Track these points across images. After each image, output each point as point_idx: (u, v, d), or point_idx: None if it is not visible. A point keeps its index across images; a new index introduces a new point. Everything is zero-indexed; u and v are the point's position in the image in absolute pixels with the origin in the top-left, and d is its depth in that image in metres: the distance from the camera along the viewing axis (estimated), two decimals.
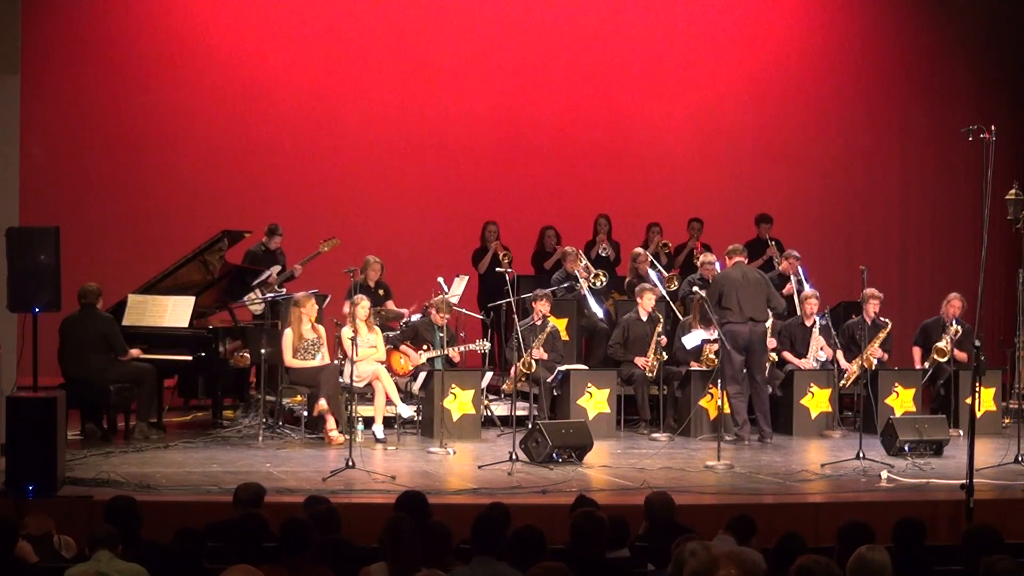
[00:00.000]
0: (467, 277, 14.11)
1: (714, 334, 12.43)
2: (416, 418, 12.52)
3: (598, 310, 14.04)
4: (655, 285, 13.74)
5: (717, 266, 13.68)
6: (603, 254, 14.76)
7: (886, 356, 13.38)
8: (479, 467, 10.63)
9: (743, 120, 17.00)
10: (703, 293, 12.29)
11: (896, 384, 13.08)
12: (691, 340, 12.95)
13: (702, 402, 12.79)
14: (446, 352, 12.63)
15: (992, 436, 12.40)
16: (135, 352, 11.95)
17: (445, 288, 13.35)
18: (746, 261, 12.89)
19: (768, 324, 12.77)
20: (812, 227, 16.72)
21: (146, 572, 6.09)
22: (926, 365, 13.43)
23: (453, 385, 12.20)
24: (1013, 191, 11.00)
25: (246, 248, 13.65)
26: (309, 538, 6.18)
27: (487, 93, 16.46)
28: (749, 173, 16.89)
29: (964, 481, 9.10)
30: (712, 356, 12.77)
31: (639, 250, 14.40)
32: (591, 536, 6.33)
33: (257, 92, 15.88)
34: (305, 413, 12.21)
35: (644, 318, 13.20)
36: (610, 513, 6.75)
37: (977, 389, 10.28)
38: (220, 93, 15.77)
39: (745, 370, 12.33)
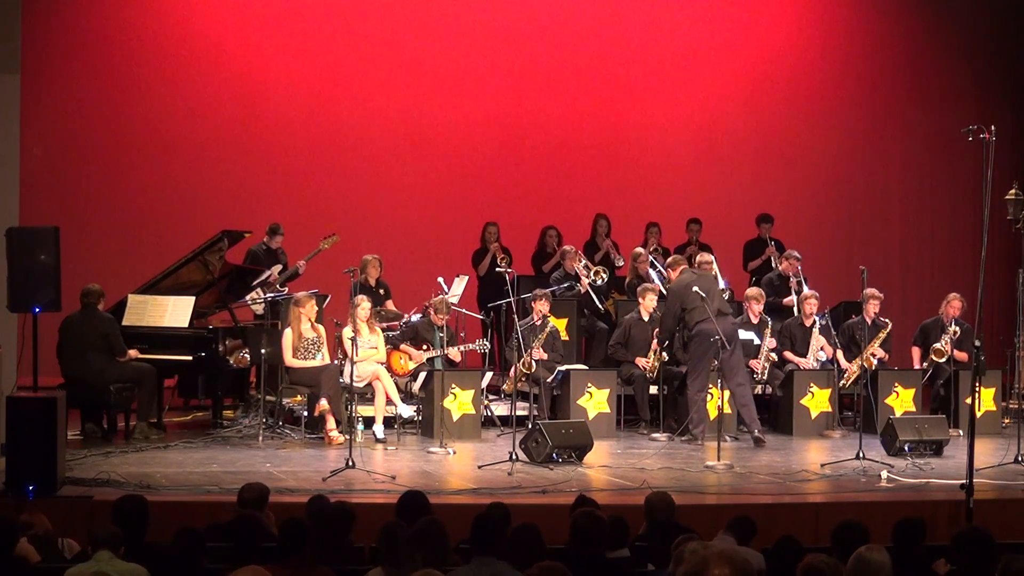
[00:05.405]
0: (467, 277, 14.11)
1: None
2: (416, 418, 12.52)
3: (600, 307, 14.06)
4: (656, 285, 13.73)
5: (716, 265, 13.67)
6: (612, 258, 14.72)
7: (886, 356, 13.38)
8: (479, 467, 10.63)
9: (743, 120, 17.00)
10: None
11: (896, 384, 13.08)
12: None
13: None
14: (446, 352, 12.63)
15: (992, 436, 12.40)
16: (133, 353, 11.96)
17: (445, 288, 13.35)
18: (687, 266, 12.78)
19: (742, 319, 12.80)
20: (812, 227, 16.71)
21: (147, 572, 6.09)
22: (924, 365, 13.44)
23: (453, 385, 12.20)
24: (1013, 191, 11.01)
25: (247, 248, 13.65)
26: (308, 538, 6.18)
27: (487, 94, 16.46)
28: (749, 173, 16.89)
29: (964, 481, 9.09)
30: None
31: (639, 250, 14.40)
32: (591, 536, 6.33)
33: (257, 93, 15.89)
34: (305, 413, 12.21)
35: (646, 318, 13.20)
36: (610, 513, 6.76)
37: (977, 389, 10.28)
38: (220, 93, 15.78)
39: (721, 370, 12.06)
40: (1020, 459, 10.81)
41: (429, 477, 10.29)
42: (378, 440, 11.87)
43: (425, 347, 12.76)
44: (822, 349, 13.39)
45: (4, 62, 12.16)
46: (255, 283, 13.06)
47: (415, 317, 13.22)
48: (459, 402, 12.24)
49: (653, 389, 13.07)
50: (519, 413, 11.94)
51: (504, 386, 13.08)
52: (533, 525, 6.08)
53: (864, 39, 17.39)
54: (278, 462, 10.80)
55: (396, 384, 12.32)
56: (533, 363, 12.70)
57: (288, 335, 12.12)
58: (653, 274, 14.16)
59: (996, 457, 10.90)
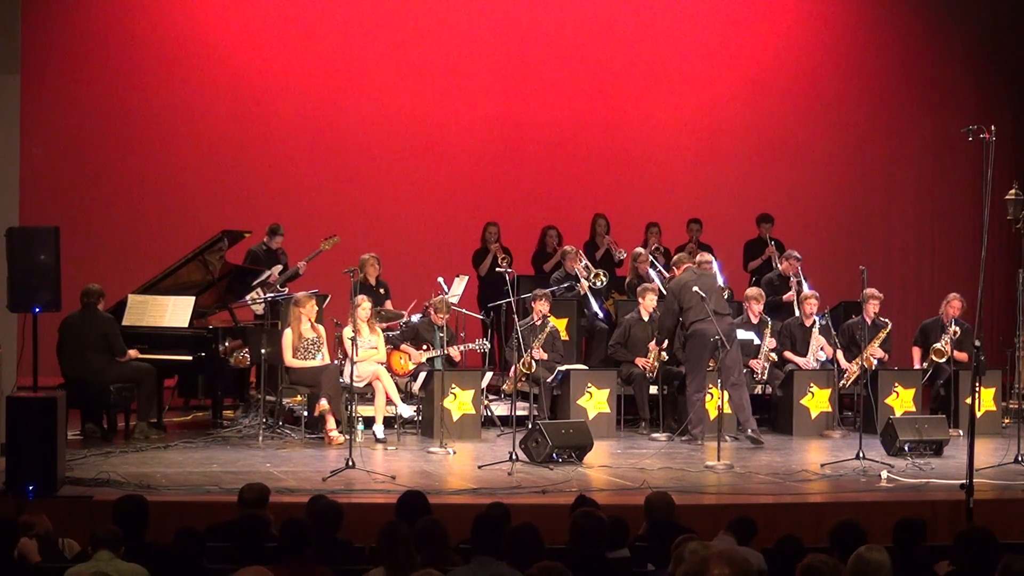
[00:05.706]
0: (467, 277, 14.11)
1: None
2: (416, 418, 12.52)
3: (598, 311, 14.06)
4: (656, 284, 13.72)
5: (715, 265, 13.67)
6: (613, 251, 14.71)
7: (886, 356, 13.38)
8: (479, 467, 10.63)
9: (743, 120, 17.00)
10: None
11: (896, 384, 13.08)
12: None
13: None
14: (446, 352, 12.63)
15: (992, 436, 12.39)
16: (133, 353, 11.96)
17: (445, 288, 13.35)
18: (690, 265, 12.73)
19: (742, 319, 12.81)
20: (812, 227, 16.71)
21: (146, 572, 6.09)
22: (924, 365, 13.44)
23: (453, 385, 12.20)
24: (1013, 191, 11.01)
25: (247, 248, 13.65)
26: (309, 538, 6.18)
27: (488, 94, 16.46)
28: (749, 173, 16.89)
29: (964, 481, 9.09)
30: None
31: (640, 250, 14.40)
32: (591, 536, 6.32)
33: (258, 93, 15.88)
34: (305, 413, 12.21)
35: (646, 318, 13.20)
36: (610, 513, 6.75)
37: (977, 389, 10.28)
38: (221, 93, 15.77)
39: (719, 369, 12.09)
40: (1020, 459, 10.81)
41: (429, 477, 10.29)
42: (378, 440, 11.87)
43: (425, 347, 12.76)
44: (822, 349, 13.38)
45: (4, 62, 12.16)
46: (255, 283, 13.06)
47: (415, 317, 13.22)
48: (459, 402, 12.24)
49: (653, 389, 13.07)
50: (519, 413, 11.93)
51: (504, 386, 13.07)
52: (533, 525, 6.08)
53: (864, 39, 17.38)
54: (278, 462, 10.80)
55: (396, 384, 12.32)
56: (533, 363, 12.70)
57: (288, 335, 12.12)
58: (653, 274, 14.16)
59: (996, 457, 10.90)
